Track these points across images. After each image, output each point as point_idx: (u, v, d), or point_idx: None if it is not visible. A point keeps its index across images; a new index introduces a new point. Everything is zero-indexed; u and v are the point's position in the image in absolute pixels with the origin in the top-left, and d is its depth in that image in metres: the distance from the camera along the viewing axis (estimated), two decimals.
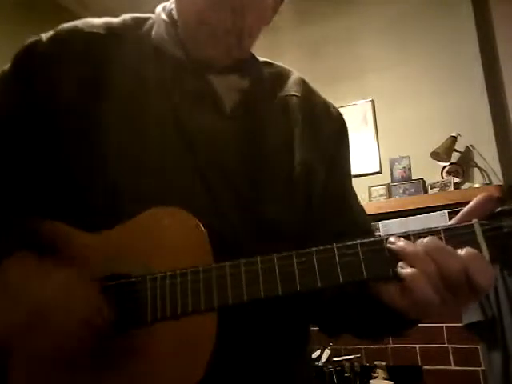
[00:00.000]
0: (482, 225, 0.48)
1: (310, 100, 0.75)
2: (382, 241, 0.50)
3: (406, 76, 2.88)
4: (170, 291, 0.54)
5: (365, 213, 0.76)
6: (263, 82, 0.72)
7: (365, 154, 2.92)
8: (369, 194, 2.82)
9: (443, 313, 0.50)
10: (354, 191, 0.77)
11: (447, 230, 0.49)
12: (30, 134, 0.62)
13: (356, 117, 2.99)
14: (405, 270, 0.48)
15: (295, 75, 0.78)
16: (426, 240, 0.48)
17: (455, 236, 0.49)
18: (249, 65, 0.72)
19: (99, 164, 0.60)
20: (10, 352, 0.55)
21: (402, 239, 0.49)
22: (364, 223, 0.74)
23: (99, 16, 0.72)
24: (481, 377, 2.28)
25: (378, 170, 2.89)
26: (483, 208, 0.50)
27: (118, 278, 0.56)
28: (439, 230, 0.49)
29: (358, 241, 0.51)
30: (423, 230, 0.50)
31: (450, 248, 0.47)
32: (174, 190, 0.60)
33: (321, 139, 0.72)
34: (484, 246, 0.48)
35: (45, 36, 0.66)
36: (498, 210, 0.49)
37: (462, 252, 0.47)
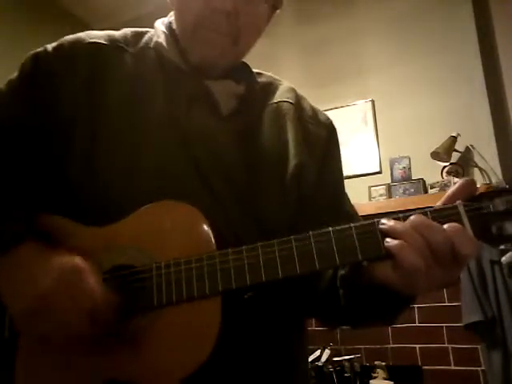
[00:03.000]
0: (465, 205, 0.54)
1: (301, 106, 0.80)
2: (374, 223, 0.55)
3: (406, 76, 2.87)
4: (175, 277, 0.56)
5: (356, 211, 0.80)
6: (257, 88, 0.77)
7: (365, 154, 2.91)
8: (369, 194, 2.81)
9: (432, 284, 0.54)
10: (345, 191, 0.81)
11: (434, 211, 0.55)
12: (34, 138, 0.66)
13: (356, 117, 2.99)
14: (393, 242, 0.52)
15: (285, 84, 0.83)
16: (412, 217, 0.53)
17: (441, 216, 0.54)
18: (243, 72, 0.77)
19: (95, 166, 0.63)
20: (20, 334, 0.59)
21: (392, 220, 0.54)
22: (357, 220, 0.77)
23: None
24: (481, 377, 2.28)
25: (378, 170, 2.88)
26: (465, 191, 0.55)
27: (123, 269, 0.59)
28: (426, 211, 0.55)
29: (352, 224, 0.56)
30: (412, 212, 0.55)
31: (435, 223, 0.53)
32: (172, 188, 0.63)
33: (312, 141, 0.76)
34: (467, 224, 0.53)
35: (50, 46, 0.70)
36: (479, 193, 0.55)
37: (446, 226, 0.52)
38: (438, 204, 0.56)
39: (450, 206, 0.55)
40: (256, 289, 0.57)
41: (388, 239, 0.53)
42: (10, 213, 0.61)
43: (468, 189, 0.55)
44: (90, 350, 0.57)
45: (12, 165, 0.66)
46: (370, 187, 2.82)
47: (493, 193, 0.54)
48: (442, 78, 2.76)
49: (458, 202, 0.54)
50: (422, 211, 0.55)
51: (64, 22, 3.31)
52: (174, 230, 0.59)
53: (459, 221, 0.53)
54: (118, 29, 0.76)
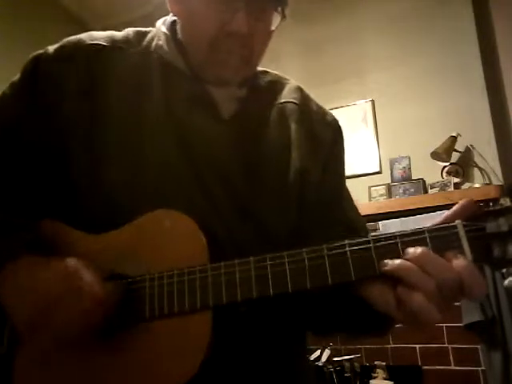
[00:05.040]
0: (464, 225, 0.50)
1: (307, 106, 0.77)
2: (369, 241, 0.52)
3: (406, 76, 2.88)
4: (168, 290, 0.56)
5: (359, 214, 0.78)
6: (260, 90, 0.75)
7: (365, 154, 2.91)
8: (369, 194, 2.81)
9: (436, 320, 0.49)
10: (349, 193, 0.79)
11: (431, 230, 0.51)
12: (35, 140, 0.66)
13: (356, 117, 2.99)
14: (404, 291, 0.49)
15: (292, 83, 0.81)
16: (418, 253, 0.49)
17: (439, 237, 0.50)
18: None
19: (98, 169, 0.63)
20: (21, 342, 0.59)
21: (394, 260, 0.50)
22: (355, 224, 0.74)
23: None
24: (481, 377, 2.28)
25: (377, 170, 2.89)
26: (466, 212, 0.51)
27: (119, 278, 0.59)
28: (424, 231, 0.51)
29: (347, 241, 0.53)
30: (408, 231, 0.51)
31: (443, 260, 0.49)
32: (172, 191, 0.63)
33: (316, 144, 0.74)
34: (467, 246, 0.49)
35: (51, 48, 0.69)
36: (482, 211, 0.50)
37: (455, 262, 0.48)
38: (436, 223, 0.52)
39: (447, 225, 0.51)
40: (249, 304, 0.55)
41: (386, 261, 0.50)
42: (11, 225, 0.61)
43: (469, 209, 0.52)
44: (83, 359, 0.57)
45: (14, 169, 0.66)
46: (370, 187, 2.83)
47: (496, 211, 0.50)
48: (442, 77, 2.76)
49: (457, 221, 0.50)
50: (420, 230, 0.51)
51: (64, 21, 3.31)
52: (170, 241, 0.59)
53: (458, 242, 0.49)
54: (119, 29, 0.76)
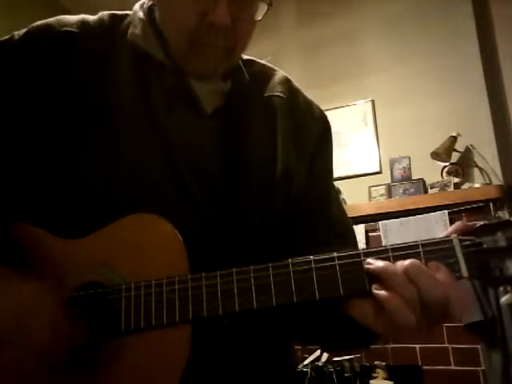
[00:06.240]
0: (461, 240, 0.47)
1: (294, 100, 0.74)
2: (360, 254, 0.49)
3: (405, 76, 2.88)
4: (145, 302, 0.52)
5: (345, 215, 0.75)
6: (245, 82, 0.71)
7: (365, 154, 2.91)
8: (369, 194, 2.81)
9: (415, 334, 0.48)
10: (336, 193, 0.76)
11: (426, 244, 0.48)
12: (4, 133, 0.61)
13: (356, 117, 2.99)
14: (382, 292, 0.47)
15: (279, 74, 0.77)
16: (406, 262, 0.47)
17: (433, 251, 0.48)
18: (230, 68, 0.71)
19: (71, 164, 0.59)
20: None
21: (381, 261, 0.48)
22: (342, 227, 0.72)
23: (93, 12, 0.71)
24: (481, 377, 2.28)
25: (377, 170, 2.89)
26: (462, 233, 0.49)
27: (93, 287, 0.55)
28: (418, 245, 0.48)
29: (335, 254, 0.50)
30: (402, 244, 0.49)
31: (431, 273, 0.46)
32: (148, 189, 0.59)
33: (303, 140, 0.71)
34: (463, 263, 0.47)
35: (17, 35, 0.64)
36: (478, 226, 0.48)
37: (442, 277, 0.46)
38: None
39: (443, 239, 0.48)
40: (232, 316, 0.51)
41: (375, 285, 0.48)
42: None
43: (464, 232, 0.49)
44: (50, 380, 0.52)
45: None
46: (370, 187, 2.82)
47: (493, 225, 0.48)
48: (442, 77, 2.76)
49: (453, 235, 0.48)
50: (414, 244, 0.49)
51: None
52: (147, 247, 0.55)
53: (454, 258, 0.47)
54: None
